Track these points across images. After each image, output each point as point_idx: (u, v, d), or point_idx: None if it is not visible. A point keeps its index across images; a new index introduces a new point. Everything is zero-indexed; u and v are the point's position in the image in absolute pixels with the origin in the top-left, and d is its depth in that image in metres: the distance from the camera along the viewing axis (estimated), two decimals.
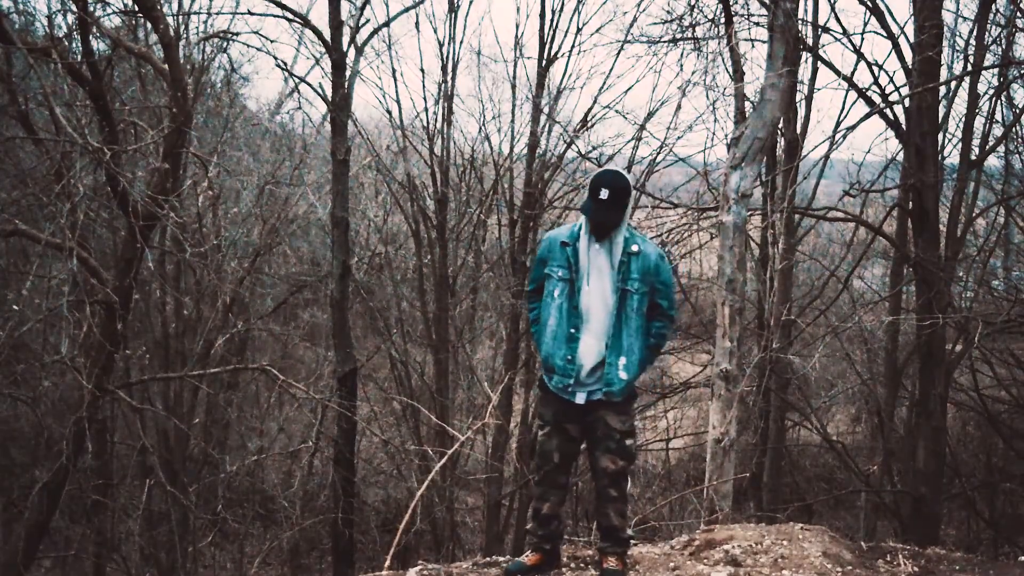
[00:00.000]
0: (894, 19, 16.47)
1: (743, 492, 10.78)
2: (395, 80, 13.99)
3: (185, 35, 12.52)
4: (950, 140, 11.92)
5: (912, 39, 10.07)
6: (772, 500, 11.50)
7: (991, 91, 11.19)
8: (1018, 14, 10.66)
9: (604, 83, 12.97)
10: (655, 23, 19.72)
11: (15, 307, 8.57)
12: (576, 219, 4.55)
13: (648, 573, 4.27)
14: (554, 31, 12.18)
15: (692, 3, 7.98)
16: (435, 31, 17.07)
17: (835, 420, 17.14)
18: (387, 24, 12.45)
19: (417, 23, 14.09)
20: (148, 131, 8.90)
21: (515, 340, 12.15)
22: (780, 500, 11.69)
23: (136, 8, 8.71)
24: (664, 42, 8.86)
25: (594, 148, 12.83)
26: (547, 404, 4.16)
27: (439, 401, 12.58)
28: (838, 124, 11.58)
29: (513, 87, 12.46)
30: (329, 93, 11.63)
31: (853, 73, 10.97)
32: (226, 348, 13.63)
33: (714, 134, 19.48)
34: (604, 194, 3.88)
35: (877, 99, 10.41)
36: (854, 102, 15.67)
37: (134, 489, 11.88)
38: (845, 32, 10.83)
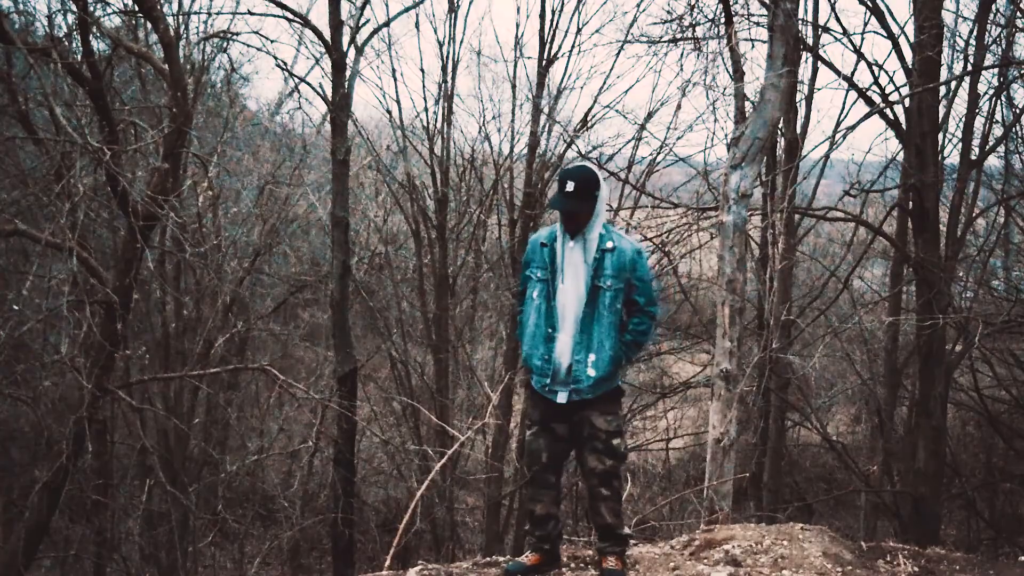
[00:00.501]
0: (894, 19, 16.49)
1: (743, 492, 10.79)
2: (395, 80, 14.01)
3: (185, 35, 12.52)
4: (950, 140, 11.93)
5: (912, 39, 10.07)
6: (772, 500, 11.50)
7: (991, 91, 11.19)
8: (1018, 14, 10.66)
9: (604, 83, 13.01)
10: (655, 23, 19.72)
11: (15, 307, 8.56)
12: None
13: (648, 573, 4.27)
14: (554, 31, 12.20)
15: (692, 3, 7.97)
16: (435, 31, 17.13)
17: (835, 420, 17.14)
18: (387, 24, 12.47)
19: (417, 23, 14.10)
20: (148, 131, 8.91)
21: (515, 340, 12.15)
22: (780, 500, 11.68)
23: (136, 8, 8.71)
24: (664, 42, 8.85)
25: (594, 148, 12.85)
26: (534, 404, 4.19)
27: (439, 401, 12.58)
28: (838, 124, 11.59)
29: (513, 87, 12.48)
30: (329, 93, 11.63)
31: (853, 73, 11.00)
32: (226, 348, 13.62)
33: (714, 134, 19.57)
34: (570, 186, 3.93)
35: (877, 99, 10.41)
36: (854, 102, 15.71)
37: (134, 489, 11.88)
38: (845, 32, 10.84)
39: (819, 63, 10.98)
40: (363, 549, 13.14)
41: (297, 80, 13.07)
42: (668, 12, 11.88)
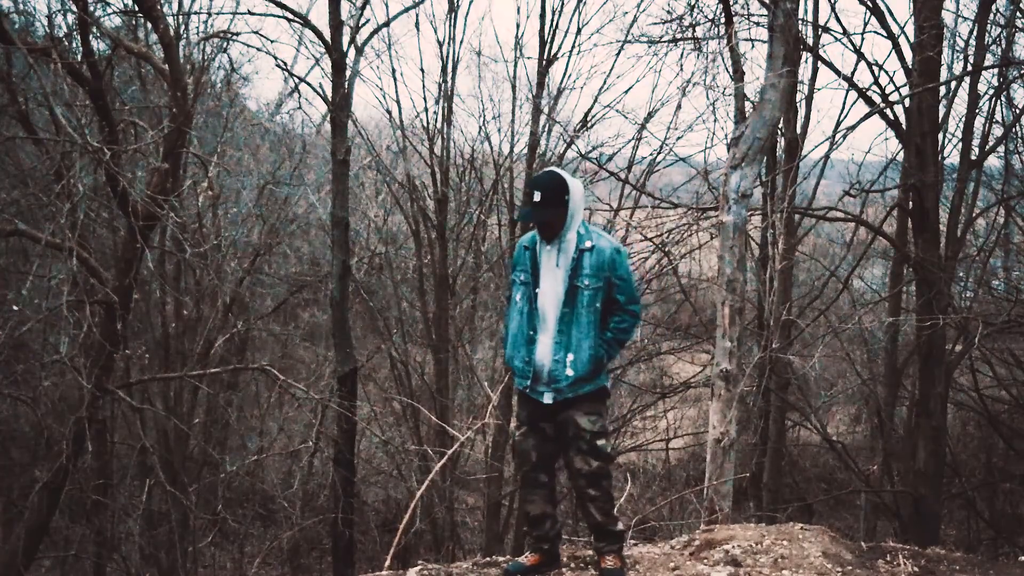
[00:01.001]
0: (894, 19, 16.50)
1: (743, 492, 10.78)
2: (395, 80, 14.01)
3: (185, 35, 12.53)
4: (950, 140, 11.94)
5: (912, 39, 10.07)
6: (772, 500, 11.50)
7: (991, 91, 11.20)
8: (1018, 14, 10.67)
9: (604, 83, 13.02)
10: (655, 23, 19.70)
11: (15, 307, 8.56)
12: None
13: (648, 573, 4.27)
14: (554, 31, 12.20)
15: (692, 3, 7.97)
16: (435, 31, 17.10)
17: (835, 420, 17.14)
18: (387, 24, 12.47)
19: (417, 23, 14.10)
20: (148, 131, 8.90)
21: None
22: (780, 500, 11.68)
23: (136, 8, 8.71)
24: (664, 42, 8.87)
25: (594, 148, 12.85)
26: (522, 405, 4.20)
27: (439, 401, 12.58)
28: (838, 124, 11.60)
29: (513, 87, 12.48)
30: (329, 93, 11.63)
31: (853, 73, 11.00)
32: (226, 348, 13.63)
33: (714, 134, 19.58)
34: (537, 196, 3.94)
35: (877, 99, 10.41)
36: (854, 102, 15.70)
37: (134, 489, 11.87)
38: (845, 32, 10.85)
39: (819, 63, 10.99)
40: (363, 549, 13.14)
41: (297, 80, 13.07)
42: (668, 12, 11.91)
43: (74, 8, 7.86)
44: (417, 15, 13.83)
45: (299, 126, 16.96)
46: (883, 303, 12.57)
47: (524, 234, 4.62)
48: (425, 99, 16.32)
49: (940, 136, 10.57)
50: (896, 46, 10.28)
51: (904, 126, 10.21)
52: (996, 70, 10.87)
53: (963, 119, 11.01)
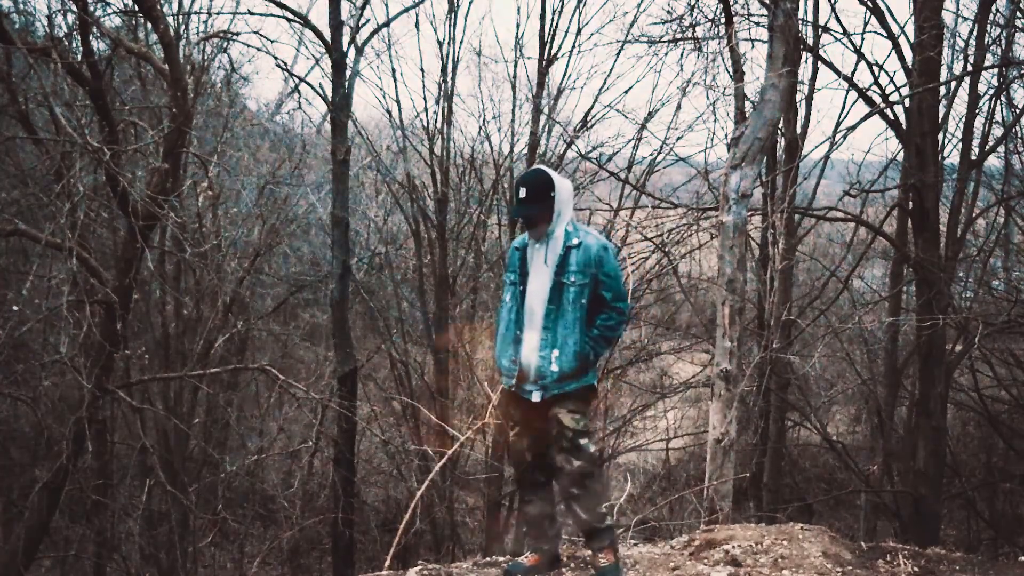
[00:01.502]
0: (894, 19, 16.51)
1: (743, 492, 10.78)
2: (395, 80, 14.01)
3: (185, 35, 12.52)
4: (950, 140, 11.96)
5: (912, 39, 10.07)
6: (772, 500, 11.50)
7: (991, 91, 11.20)
8: (1018, 14, 10.66)
9: (604, 83, 13.02)
10: (655, 23, 19.72)
11: (15, 307, 8.57)
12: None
13: (648, 573, 4.27)
14: (554, 31, 12.20)
15: (692, 3, 7.97)
16: (435, 31, 17.10)
17: (835, 420, 17.14)
18: (387, 24, 12.46)
19: (417, 23, 14.12)
20: (148, 131, 8.91)
21: None
22: (780, 500, 11.69)
23: (136, 8, 8.71)
24: (664, 42, 8.86)
25: (594, 148, 12.85)
26: (515, 405, 4.20)
27: (439, 401, 12.57)
28: (838, 124, 11.60)
29: (513, 87, 12.47)
30: (329, 93, 11.63)
31: (853, 73, 11.00)
32: (226, 348, 13.62)
33: (714, 134, 19.59)
34: (523, 193, 4.01)
35: (877, 99, 10.41)
36: (854, 102, 15.70)
37: (134, 489, 11.87)
38: (845, 32, 10.85)
39: (819, 63, 10.99)
40: (363, 549, 13.13)
41: (297, 80, 13.08)
42: (668, 12, 11.90)
43: (74, 8, 7.86)
44: (417, 15, 13.90)
45: (299, 126, 16.98)
46: (883, 303, 12.58)
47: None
48: (425, 99, 16.36)
49: (940, 136, 10.58)
50: (896, 46, 10.29)
51: (904, 126, 10.21)
52: (996, 70, 10.87)
53: (963, 119, 11.02)
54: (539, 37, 12.20)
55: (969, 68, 10.92)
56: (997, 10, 10.79)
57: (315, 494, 13.77)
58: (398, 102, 17.61)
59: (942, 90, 10.51)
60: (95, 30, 8.20)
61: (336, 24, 11.38)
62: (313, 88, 12.56)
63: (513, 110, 12.59)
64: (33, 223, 8.78)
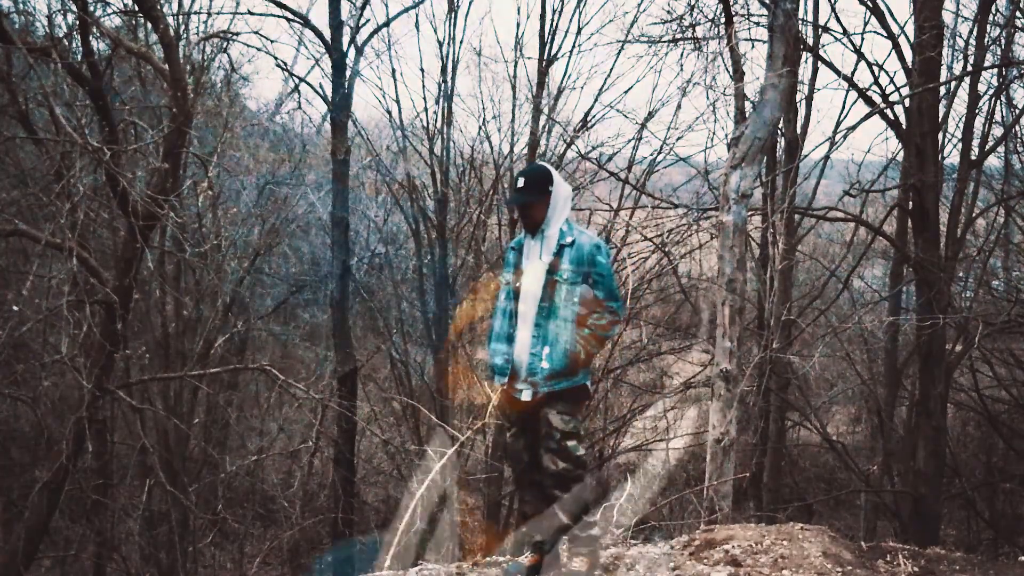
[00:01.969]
0: (894, 19, 16.49)
1: (743, 492, 10.78)
2: (395, 80, 13.99)
3: (185, 35, 12.51)
4: (950, 140, 11.95)
5: (912, 39, 10.07)
6: (772, 500, 11.50)
7: (991, 91, 11.20)
8: (1018, 14, 10.66)
9: (604, 83, 12.97)
10: (655, 23, 19.73)
11: (15, 307, 8.56)
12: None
13: (648, 573, 4.27)
14: (554, 31, 12.19)
15: (692, 3, 7.98)
16: (435, 31, 17.11)
17: (835, 420, 17.14)
18: (387, 24, 12.47)
19: (417, 23, 14.12)
20: (148, 131, 8.91)
21: None
22: (780, 500, 11.69)
23: (136, 8, 8.71)
24: (664, 42, 8.88)
25: (594, 148, 12.83)
26: (511, 405, 4.19)
27: (439, 401, 12.57)
28: (838, 124, 11.61)
29: (513, 87, 12.46)
30: (329, 93, 11.64)
31: (853, 73, 11.00)
32: (226, 348, 13.63)
33: (714, 134, 19.57)
34: (521, 182, 4.06)
35: (877, 99, 10.41)
36: (854, 102, 15.73)
37: (134, 489, 11.88)
38: (845, 32, 10.85)
39: (819, 63, 10.99)
40: (363, 549, 13.13)
41: (297, 80, 13.09)
42: (668, 12, 11.91)
43: (74, 8, 7.87)
44: (417, 15, 13.92)
45: (299, 126, 16.96)
46: (883, 303, 12.58)
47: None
48: (425, 99, 16.28)
49: (940, 136, 10.57)
50: (896, 46, 10.28)
51: (904, 126, 10.20)
52: (996, 70, 10.87)
53: (963, 119, 11.01)
54: (539, 37, 12.20)
55: (969, 68, 10.92)
56: (997, 10, 10.80)
57: (315, 494, 13.78)
58: (398, 102, 17.61)
59: (942, 90, 10.50)
60: (95, 30, 8.20)
61: (336, 24, 11.40)
62: (313, 88, 12.61)
63: (513, 110, 12.60)
64: (33, 223, 8.78)
